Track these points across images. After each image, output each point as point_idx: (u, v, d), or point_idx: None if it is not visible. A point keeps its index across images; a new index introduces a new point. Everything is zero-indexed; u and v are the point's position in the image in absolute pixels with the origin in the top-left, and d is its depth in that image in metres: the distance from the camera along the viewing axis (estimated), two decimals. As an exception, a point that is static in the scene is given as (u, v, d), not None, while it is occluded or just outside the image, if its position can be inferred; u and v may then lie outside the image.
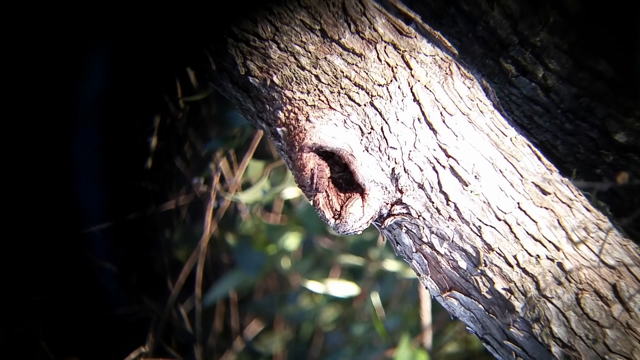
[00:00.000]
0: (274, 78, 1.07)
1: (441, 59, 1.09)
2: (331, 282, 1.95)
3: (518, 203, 1.05)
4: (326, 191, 1.09)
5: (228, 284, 2.00)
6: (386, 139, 1.06)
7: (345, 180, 1.10)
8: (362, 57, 1.06)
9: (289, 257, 2.10)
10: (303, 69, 1.06)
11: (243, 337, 2.32)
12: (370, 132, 1.06)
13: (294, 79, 1.06)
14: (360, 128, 1.06)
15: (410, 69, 1.07)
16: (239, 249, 1.96)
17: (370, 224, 1.10)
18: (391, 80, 1.06)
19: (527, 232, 1.05)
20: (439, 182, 1.06)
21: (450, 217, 1.06)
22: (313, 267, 2.12)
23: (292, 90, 1.06)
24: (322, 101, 1.06)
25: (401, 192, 1.07)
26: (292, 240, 1.98)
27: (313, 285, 1.92)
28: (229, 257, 2.08)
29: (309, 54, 1.06)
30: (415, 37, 1.09)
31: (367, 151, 1.06)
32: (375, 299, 1.93)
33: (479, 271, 1.05)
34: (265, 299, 2.34)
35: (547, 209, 1.05)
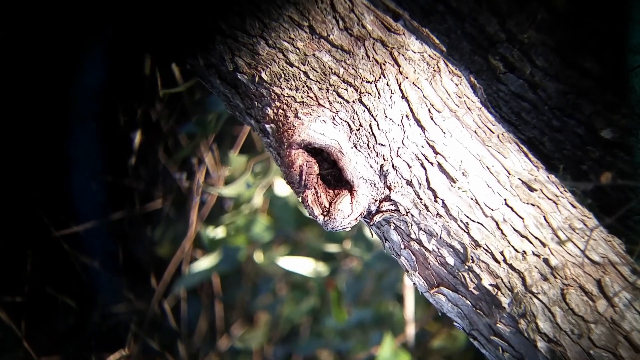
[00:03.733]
0: (263, 74, 1.06)
1: (429, 56, 1.09)
2: (300, 260, 1.92)
3: (505, 200, 1.06)
4: (315, 188, 1.09)
5: (201, 272, 1.98)
6: (375, 136, 1.06)
7: (334, 176, 1.10)
8: (351, 53, 1.06)
9: (263, 249, 2.09)
10: (291, 65, 1.06)
11: (230, 335, 2.31)
12: (359, 129, 1.06)
13: (283, 76, 1.06)
14: (349, 125, 1.06)
15: (399, 65, 1.07)
16: (214, 244, 1.94)
17: (359, 220, 1.10)
18: (379, 77, 1.06)
19: (514, 229, 1.05)
20: (427, 179, 1.06)
21: (438, 214, 1.06)
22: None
23: (280, 87, 1.06)
24: (311, 98, 1.06)
25: (390, 188, 1.07)
26: (265, 233, 1.97)
27: (284, 262, 1.89)
28: (203, 252, 2.06)
29: (298, 51, 1.06)
30: (404, 34, 1.09)
31: (356, 148, 1.07)
32: (340, 282, 1.94)
33: (466, 267, 1.06)
34: (239, 289, 2.33)
35: (533, 205, 1.06)
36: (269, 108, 1.07)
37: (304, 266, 1.92)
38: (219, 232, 1.86)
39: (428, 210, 1.07)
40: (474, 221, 1.05)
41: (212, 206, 1.85)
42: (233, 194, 1.72)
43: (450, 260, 1.07)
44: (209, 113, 1.63)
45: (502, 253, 1.05)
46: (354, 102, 1.06)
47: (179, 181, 1.66)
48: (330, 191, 1.09)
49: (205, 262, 1.94)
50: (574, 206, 1.09)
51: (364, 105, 1.06)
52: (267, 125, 1.08)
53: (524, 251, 1.05)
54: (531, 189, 1.07)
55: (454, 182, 1.06)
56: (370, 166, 1.07)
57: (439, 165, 1.06)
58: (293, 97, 1.06)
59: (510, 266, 1.05)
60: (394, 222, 1.09)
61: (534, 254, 1.04)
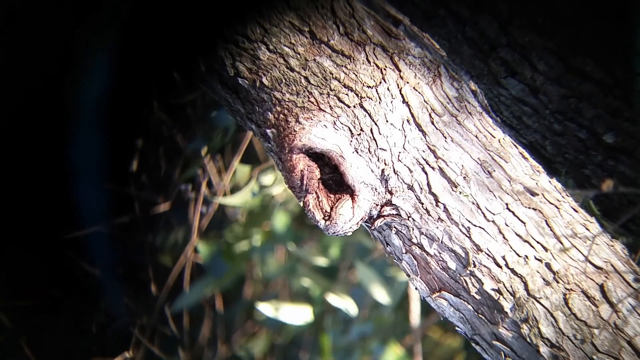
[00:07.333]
0: (263, 79, 1.06)
1: (429, 60, 1.09)
2: (284, 306, 1.92)
3: (506, 204, 1.06)
4: (316, 192, 1.09)
5: (198, 290, 1.98)
6: (375, 141, 1.06)
7: (335, 181, 1.10)
8: (351, 58, 1.06)
9: (260, 263, 2.09)
10: (292, 70, 1.06)
11: (231, 342, 2.30)
12: (360, 134, 1.06)
13: (284, 81, 1.06)
14: (350, 129, 1.06)
15: (399, 70, 1.07)
16: (208, 255, 1.94)
17: (360, 225, 1.10)
18: (380, 82, 1.06)
19: (516, 233, 1.05)
20: (428, 184, 1.06)
21: (439, 218, 1.06)
22: (287, 271, 2.10)
23: (281, 92, 1.06)
24: (312, 103, 1.06)
25: (391, 193, 1.07)
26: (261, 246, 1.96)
27: (264, 308, 1.89)
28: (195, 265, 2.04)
29: (298, 56, 1.06)
30: (404, 39, 1.09)
31: (357, 152, 1.07)
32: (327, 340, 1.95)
33: (468, 272, 1.06)
34: (239, 305, 2.32)
35: (535, 210, 1.06)
36: (270, 113, 1.07)
37: (286, 313, 1.91)
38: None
39: (429, 215, 1.06)
40: (475, 226, 1.05)
41: (214, 213, 1.85)
42: (237, 204, 1.72)
43: (452, 264, 1.07)
44: (216, 129, 1.63)
45: (504, 257, 1.05)
46: (355, 106, 1.06)
47: (184, 192, 1.66)
48: (332, 196, 1.09)
49: (204, 282, 1.94)
50: (576, 211, 1.08)
51: (365, 110, 1.06)
52: (268, 130, 1.08)
53: (526, 256, 1.04)
54: (533, 194, 1.07)
55: (455, 187, 1.06)
56: (372, 171, 1.07)
57: (440, 169, 1.06)
58: (294, 102, 1.06)
59: (512, 271, 1.04)
60: (395, 227, 1.09)
61: (536, 258, 1.04)
